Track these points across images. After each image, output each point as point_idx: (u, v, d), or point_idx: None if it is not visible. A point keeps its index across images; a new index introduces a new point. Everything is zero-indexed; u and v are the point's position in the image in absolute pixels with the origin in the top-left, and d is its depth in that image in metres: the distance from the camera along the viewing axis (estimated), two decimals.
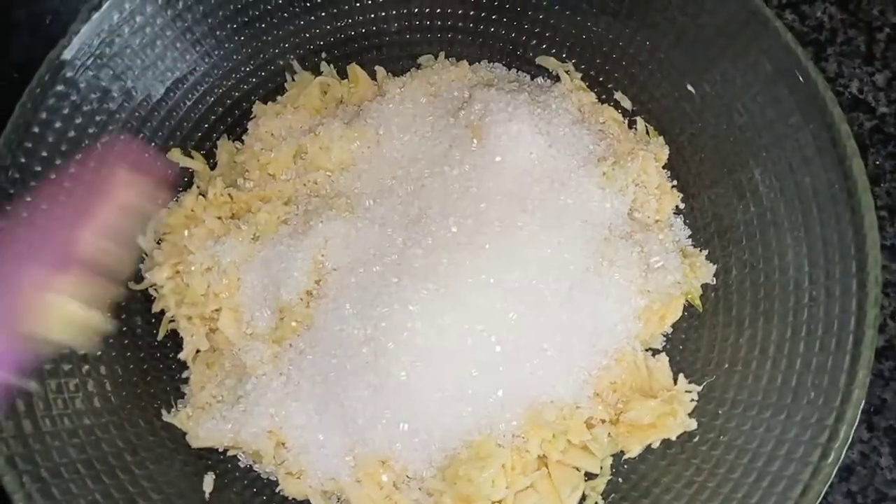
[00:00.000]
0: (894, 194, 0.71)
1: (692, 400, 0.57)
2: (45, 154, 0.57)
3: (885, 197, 0.71)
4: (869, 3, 0.76)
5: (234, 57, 0.66)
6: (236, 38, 0.66)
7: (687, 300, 0.61)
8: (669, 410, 0.56)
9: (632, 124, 0.67)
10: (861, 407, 0.48)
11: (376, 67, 0.69)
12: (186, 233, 0.60)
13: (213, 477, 0.58)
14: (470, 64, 0.69)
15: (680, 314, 0.61)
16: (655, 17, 0.61)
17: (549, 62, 0.68)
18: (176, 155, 0.64)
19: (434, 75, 0.67)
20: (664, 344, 0.62)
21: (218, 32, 0.65)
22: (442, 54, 0.70)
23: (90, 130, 0.59)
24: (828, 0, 0.76)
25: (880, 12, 0.76)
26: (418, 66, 0.70)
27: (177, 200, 0.64)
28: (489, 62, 0.70)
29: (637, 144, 0.64)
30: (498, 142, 0.60)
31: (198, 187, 0.65)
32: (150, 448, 0.57)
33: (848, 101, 0.73)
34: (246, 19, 0.65)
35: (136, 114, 0.62)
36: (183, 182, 0.66)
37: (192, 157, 0.65)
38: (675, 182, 0.64)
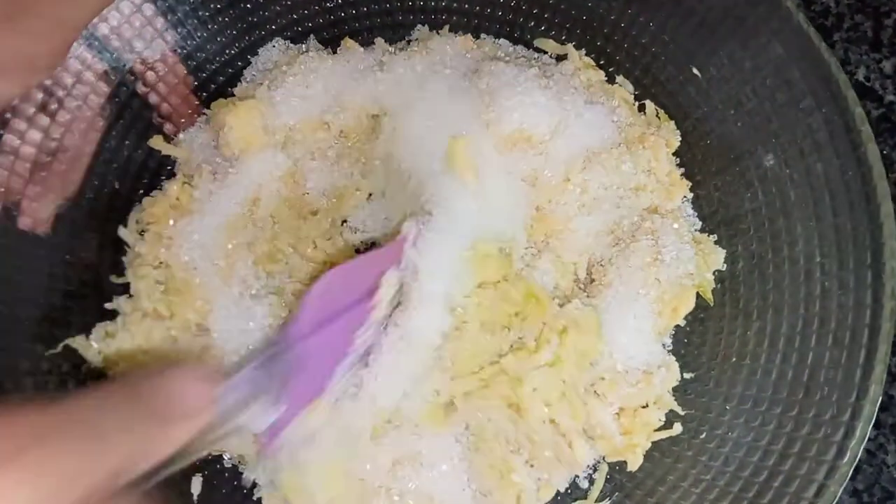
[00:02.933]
0: None
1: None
2: None
3: (892, 188, 0.70)
4: None
5: (219, 39, 0.64)
6: (220, 18, 0.63)
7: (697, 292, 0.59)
8: (629, 445, 0.55)
9: (641, 108, 0.64)
10: (878, 403, 0.47)
11: (376, 39, 0.67)
12: (172, 222, 0.58)
13: (202, 479, 0.55)
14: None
15: (693, 306, 0.58)
16: None
17: (548, 45, 0.66)
18: (158, 142, 0.62)
19: (435, 45, 0.64)
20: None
21: (201, 13, 0.62)
22: (446, 28, 0.67)
23: (67, 116, 0.57)
24: None
25: None
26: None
27: (161, 189, 0.61)
28: (494, 37, 0.67)
29: (647, 129, 0.62)
30: (505, 119, 0.57)
31: (183, 175, 0.62)
32: None
33: (854, 89, 0.71)
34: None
35: (116, 99, 0.60)
36: (166, 171, 0.63)
37: (174, 144, 0.63)
38: (681, 170, 0.62)
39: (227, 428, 0.40)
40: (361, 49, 0.65)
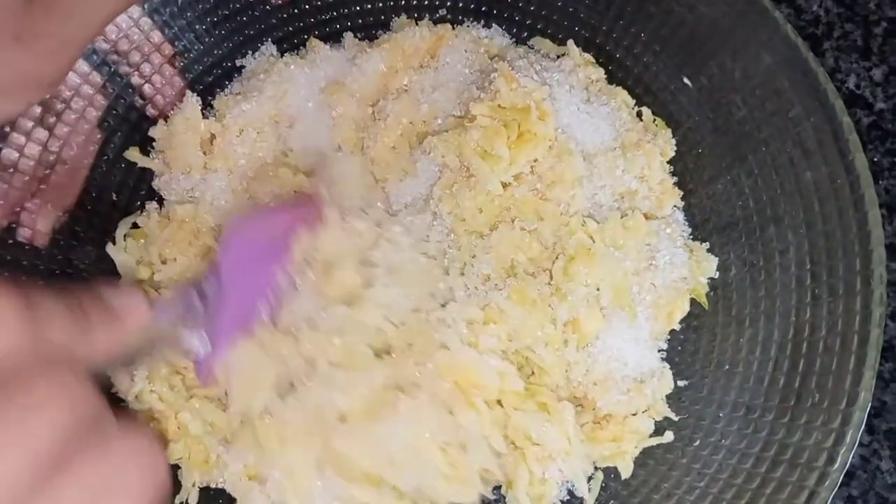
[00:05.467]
0: (893, 192, 0.70)
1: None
2: None
3: (883, 195, 0.70)
4: None
5: (215, 51, 0.64)
6: (217, 31, 0.64)
7: (692, 297, 0.59)
8: (618, 452, 0.56)
9: (637, 114, 0.64)
10: (868, 410, 0.47)
11: (344, 34, 0.66)
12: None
13: (198, 490, 0.55)
14: None
15: (687, 310, 0.59)
16: (650, 8, 0.60)
17: (545, 44, 0.66)
18: (134, 154, 0.62)
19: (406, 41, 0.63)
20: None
21: (198, 26, 0.63)
22: (426, 17, 0.66)
23: (65, 129, 0.57)
24: None
25: (877, 6, 0.75)
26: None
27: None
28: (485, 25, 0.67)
29: (644, 136, 0.62)
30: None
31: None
32: None
33: (845, 97, 0.72)
34: (226, 13, 0.63)
35: (114, 111, 0.60)
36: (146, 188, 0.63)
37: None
38: (673, 178, 0.62)
39: (165, 341, 0.45)
40: (327, 47, 0.65)
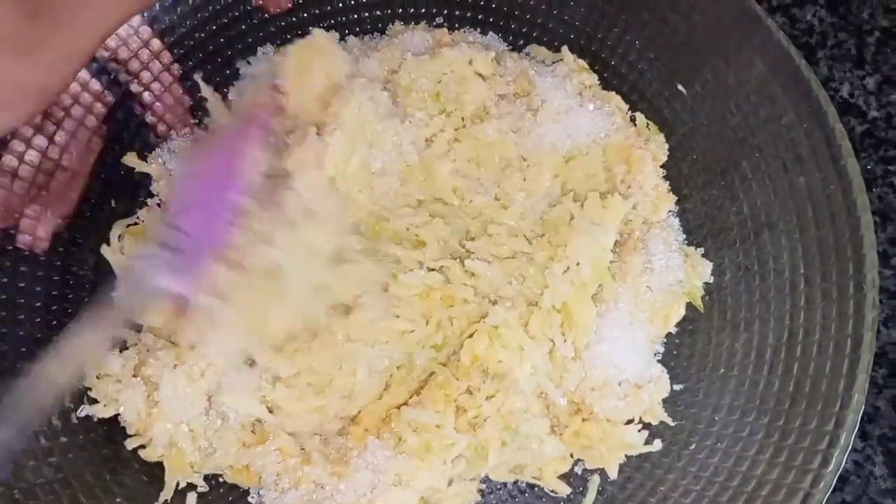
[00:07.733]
0: (886, 199, 0.70)
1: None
2: None
3: (876, 202, 0.71)
4: (859, 6, 0.76)
5: (217, 59, 0.65)
6: (217, 39, 0.64)
7: (688, 300, 0.60)
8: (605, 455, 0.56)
9: (631, 119, 0.64)
10: (861, 412, 0.47)
11: (348, 37, 0.67)
12: None
13: (196, 496, 0.55)
14: None
15: (683, 313, 0.59)
16: (645, 16, 0.61)
17: (540, 51, 0.66)
18: (132, 160, 0.62)
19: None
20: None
21: (197, 34, 0.63)
22: (423, 23, 0.67)
23: (64, 136, 0.58)
24: (818, 3, 0.76)
25: (870, 15, 0.76)
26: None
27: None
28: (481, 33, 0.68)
29: (636, 141, 0.62)
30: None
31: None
32: (131, 465, 0.55)
33: (839, 105, 0.72)
34: (225, 21, 0.64)
35: (113, 118, 0.61)
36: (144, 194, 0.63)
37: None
38: (667, 183, 0.63)
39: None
40: None
